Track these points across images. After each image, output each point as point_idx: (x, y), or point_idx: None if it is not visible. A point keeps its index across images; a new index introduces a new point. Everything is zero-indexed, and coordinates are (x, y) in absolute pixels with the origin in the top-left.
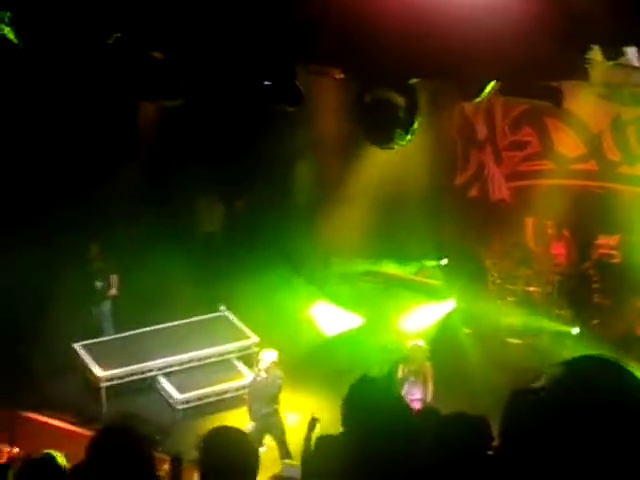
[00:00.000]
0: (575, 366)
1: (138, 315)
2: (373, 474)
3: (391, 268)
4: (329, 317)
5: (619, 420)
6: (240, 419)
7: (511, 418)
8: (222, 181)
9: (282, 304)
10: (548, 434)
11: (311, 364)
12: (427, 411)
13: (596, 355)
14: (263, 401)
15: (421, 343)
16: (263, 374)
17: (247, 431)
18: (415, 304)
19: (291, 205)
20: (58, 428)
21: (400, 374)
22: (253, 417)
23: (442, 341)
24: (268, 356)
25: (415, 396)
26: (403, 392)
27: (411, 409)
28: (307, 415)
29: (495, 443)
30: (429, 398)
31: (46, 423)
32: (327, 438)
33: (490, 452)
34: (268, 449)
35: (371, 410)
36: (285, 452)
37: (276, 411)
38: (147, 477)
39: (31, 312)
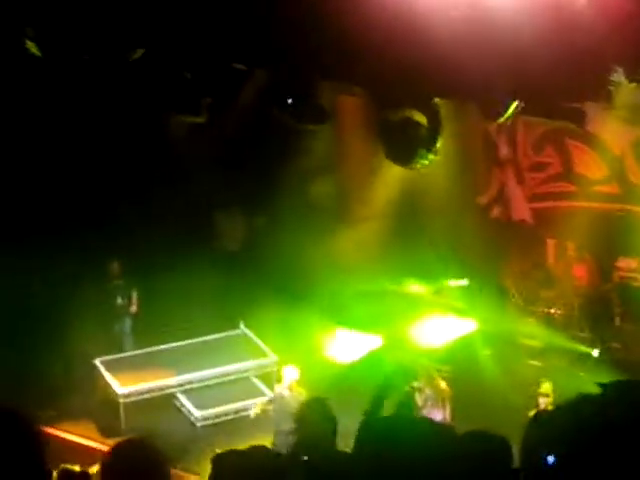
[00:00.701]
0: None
1: (158, 332)
2: None
3: (411, 287)
4: (347, 341)
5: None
6: (260, 436)
7: (531, 439)
8: (243, 197)
9: (301, 323)
10: (570, 456)
11: (329, 384)
12: (444, 430)
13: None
14: (285, 418)
15: (434, 366)
16: (286, 391)
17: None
18: (435, 322)
19: (311, 222)
20: (78, 444)
21: (419, 402)
22: (275, 434)
23: (463, 362)
24: (290, 373)
25: (436, 418)
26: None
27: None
28: None
29: (515, 464)
30: (449, 419)
31: (65, 439)
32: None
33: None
34: None
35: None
36: None
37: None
38: None
39: (52, 328)
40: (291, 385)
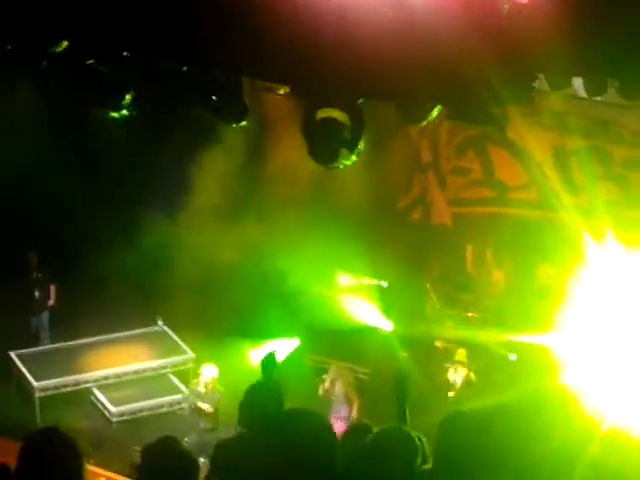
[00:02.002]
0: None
1: (75, 326)
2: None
3: (328, 286)
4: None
5: None
6: (175, 433)
7: (444, 436)
8: (163, 194)
9: (219, 322)
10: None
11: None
12: (359, 426)
13: None
14: (201, 416)
15: (345, 364)
16: (202, 389)
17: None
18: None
19: (230, 219)
20: None
21: (320, 391)
22: (190, 432)
23: (380, 363)
24: (209, 372)
25: (340, 414)
26: (330, 411)
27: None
28: None
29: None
30: (355, 416)
31: None
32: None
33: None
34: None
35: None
36: None
37: (213, 429)
38: None
39: None
40: (207, 383)
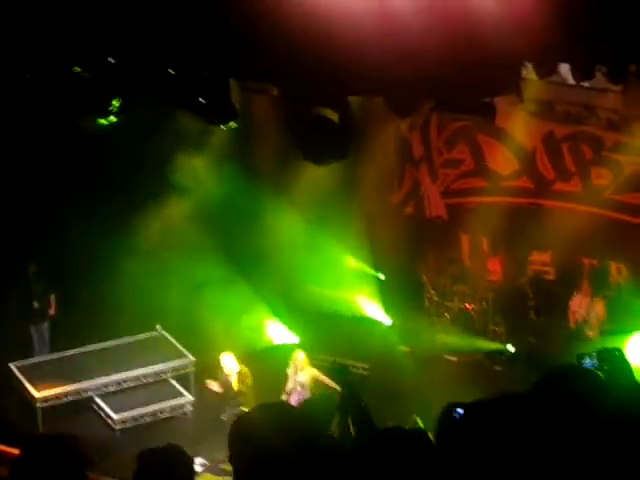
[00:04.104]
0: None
1: (75, 335)
2: None
3: (327, 287)
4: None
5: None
6: (178, 438)
7: (442, 431)
8: (157, 198)
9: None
10: (474, 443)
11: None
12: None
13: None
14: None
15: (301, 353)
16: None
17: None
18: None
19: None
20: None
21: (290, 385)
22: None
23: (379, 359)
24: (228, 359)
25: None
26: (293, 402)
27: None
28: None
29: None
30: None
31: None
32: None
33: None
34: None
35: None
36: None
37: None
38: None
39: None
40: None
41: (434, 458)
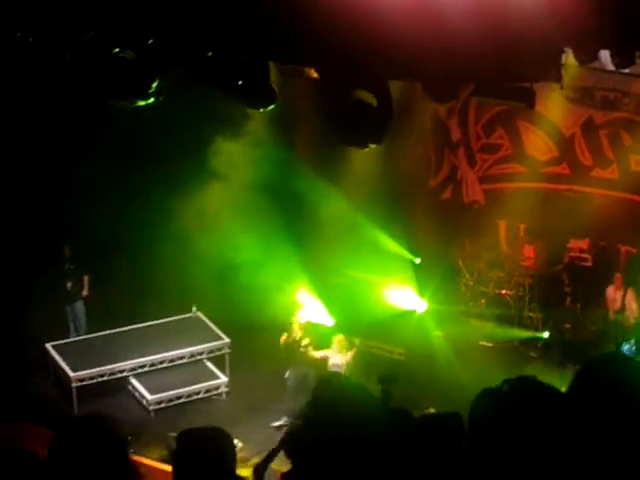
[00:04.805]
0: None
1: (110, 316)
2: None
3: (363, 270)
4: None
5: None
6: (212, 419)
7: (476, 416)
8: (190, 182)
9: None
10: (507, 430)
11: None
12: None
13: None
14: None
15: (379, 344)
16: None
17: None
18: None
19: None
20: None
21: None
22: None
23: (415, 344)
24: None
25: None
26: None
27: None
28: None
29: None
30: None
31: (17, 424)
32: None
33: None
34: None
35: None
36: None
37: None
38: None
39: (3, 312)
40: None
41: (467, 446)
